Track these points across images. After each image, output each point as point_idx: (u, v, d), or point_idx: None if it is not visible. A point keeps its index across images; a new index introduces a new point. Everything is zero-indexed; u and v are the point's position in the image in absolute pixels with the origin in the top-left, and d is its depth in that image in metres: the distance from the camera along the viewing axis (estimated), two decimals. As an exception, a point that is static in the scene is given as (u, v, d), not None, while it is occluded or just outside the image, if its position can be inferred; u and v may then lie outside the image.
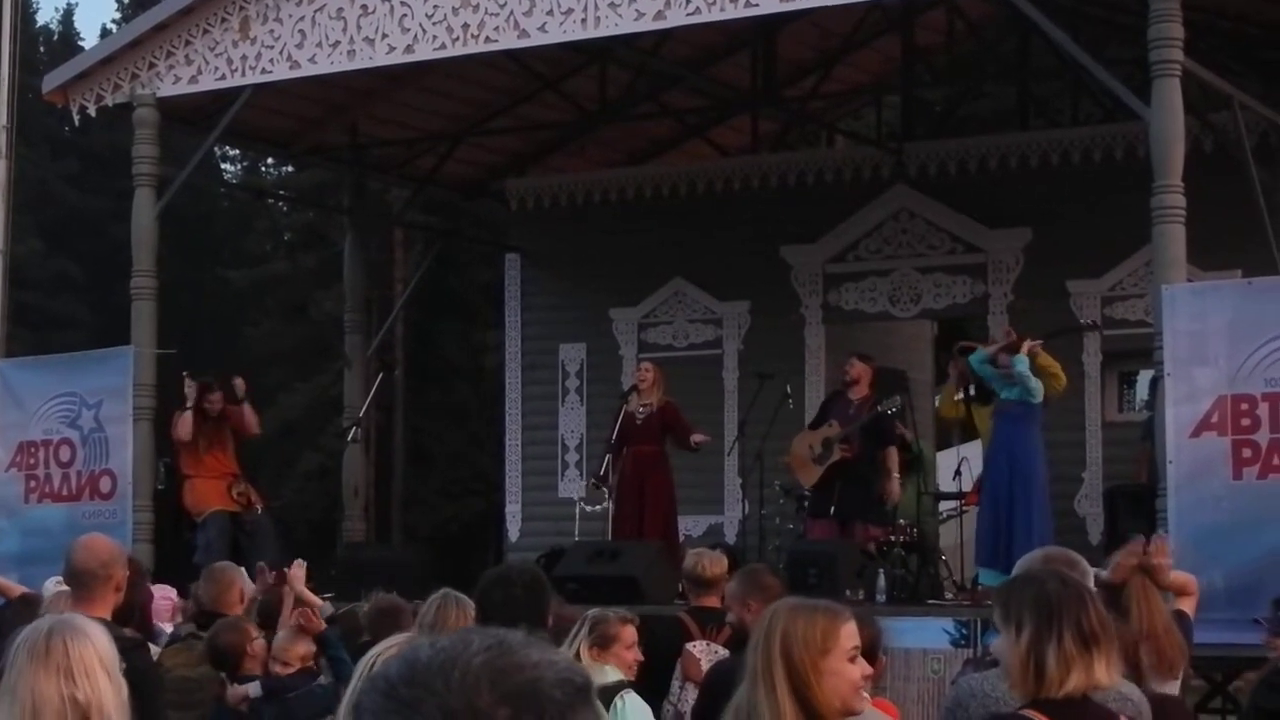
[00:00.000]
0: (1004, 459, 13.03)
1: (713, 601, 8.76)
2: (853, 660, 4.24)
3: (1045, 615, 4.08)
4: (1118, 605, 5.98)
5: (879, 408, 13.96)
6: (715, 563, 8.95)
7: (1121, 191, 14.84)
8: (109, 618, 5.72)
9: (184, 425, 14.52)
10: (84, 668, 3.84)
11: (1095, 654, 4.05)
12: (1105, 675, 4.08)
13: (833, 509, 13.89)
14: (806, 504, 14.56)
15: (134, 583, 6.68)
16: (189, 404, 14.59)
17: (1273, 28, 14.55)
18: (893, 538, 13.93)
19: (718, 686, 6.04)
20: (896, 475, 14.00)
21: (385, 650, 3.49)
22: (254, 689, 7.66)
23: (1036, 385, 12.91)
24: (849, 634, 4.24)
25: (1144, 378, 15.22)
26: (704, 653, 8.18)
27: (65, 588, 6.52)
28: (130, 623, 6.99)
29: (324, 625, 7.56)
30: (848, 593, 11.91)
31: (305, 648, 7.68)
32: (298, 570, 8.36)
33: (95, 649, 3.89)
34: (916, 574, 13.90)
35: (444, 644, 1.74)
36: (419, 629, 5.91)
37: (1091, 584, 4.97)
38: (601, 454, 15.29)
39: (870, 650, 4.85)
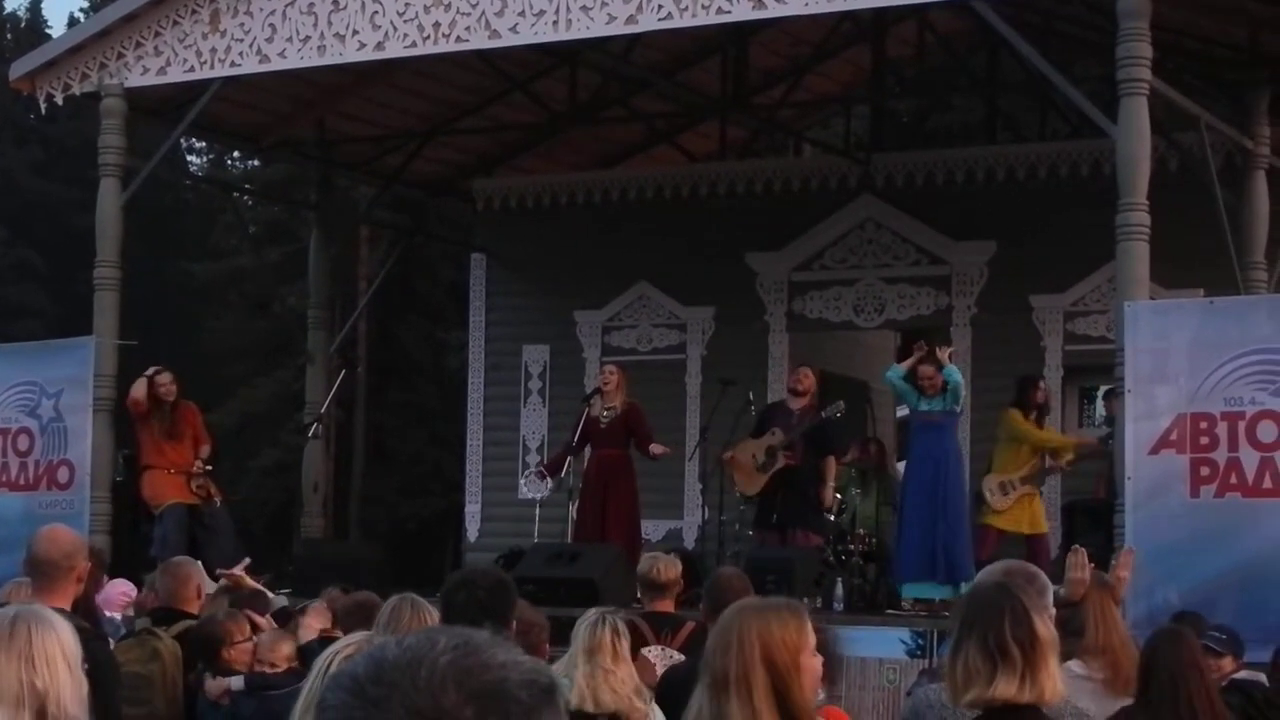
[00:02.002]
0: (930, 468, 13.06)
1: (667, 606, 8.74)
2: (814, 653, 4.27)
3: (963, 626, 4.13)
4: (1075, 621, 6.01)
5: (823, 414, 14.02)
6: (669, 567, 8.89)
7: (1086, 208, 14.93)
8: (69, 608, 5.70)
9: (138, 387, 14.37)
10: (45, 656, 3.83)
11: (1001, 668, 4.04)
12: (1012, 690, 4.04)
13: (775, 517, 13.98)
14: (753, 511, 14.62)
15: (91, 574, 6.65)
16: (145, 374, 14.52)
17: (1240, 49, 14.63)
18: (852, 546, 13.97)
19: (674, 692, 6.03)
20: (832, 484, 14.07)
21: (342, 649, 3.47)
22: (236, 682, 7.66)
23: (963, 394, 13.17)
24: (811, 627, 4.27)
25: (1104, 393, 15.30)
26: (659, 658, 8.17)
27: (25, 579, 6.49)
28: (78, 613, 6.98)
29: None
30: (805, 600, 11.92)
31: (289, 648, 7.73)
32: (239, 570, 9.05)
33: (59, 640, 3.88)
34: (874, 583, 13.95)
35: (410, 643, 1.74)
36: (376, 630, 5.90)
37: (1050, 599, 4.99)
38: (558, 453, 15.33)
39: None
